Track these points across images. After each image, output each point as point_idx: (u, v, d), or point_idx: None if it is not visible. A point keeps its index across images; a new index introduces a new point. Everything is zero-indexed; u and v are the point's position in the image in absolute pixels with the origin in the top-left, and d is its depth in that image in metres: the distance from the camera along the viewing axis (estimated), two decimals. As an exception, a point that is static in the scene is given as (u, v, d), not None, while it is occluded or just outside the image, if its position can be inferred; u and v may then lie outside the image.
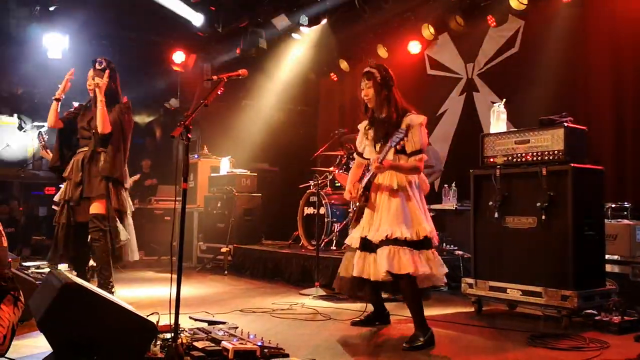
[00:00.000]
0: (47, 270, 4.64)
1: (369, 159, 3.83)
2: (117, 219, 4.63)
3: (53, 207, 4.89)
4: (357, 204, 3.93)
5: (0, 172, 9.85)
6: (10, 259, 3.13)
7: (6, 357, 2.85)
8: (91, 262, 4.87)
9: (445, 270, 3.76)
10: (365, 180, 3.80)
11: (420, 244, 3.63)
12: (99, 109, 4.61)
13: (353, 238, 3.87)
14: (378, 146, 3.79)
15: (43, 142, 5.62)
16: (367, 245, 3.73)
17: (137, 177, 9.08)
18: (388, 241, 3.57)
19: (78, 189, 4.61)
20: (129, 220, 4.78)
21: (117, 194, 4.65)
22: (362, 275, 3.74)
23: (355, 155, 4.15)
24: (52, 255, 4.75)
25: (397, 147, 3.61)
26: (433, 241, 3.73)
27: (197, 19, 8.92)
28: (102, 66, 4.72)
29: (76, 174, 4.65)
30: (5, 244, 3.05)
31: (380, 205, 3.72)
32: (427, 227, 3.66)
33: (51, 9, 8.39)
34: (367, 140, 3.93)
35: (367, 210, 3.81)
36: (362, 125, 3.99)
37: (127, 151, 4.77)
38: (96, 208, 4.58)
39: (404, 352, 3.41)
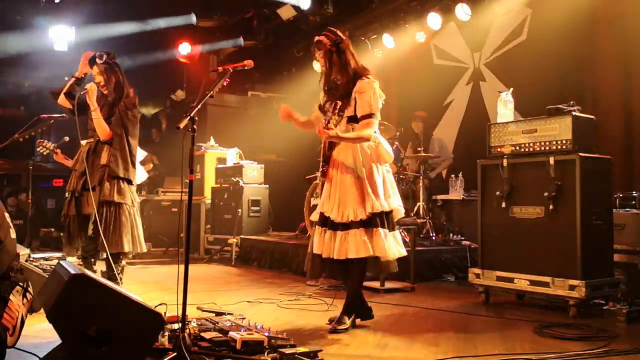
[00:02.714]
0: (55, 262, 4.65)
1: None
2: (106, 210, 4.56)
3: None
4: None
5: (8, 164, 9.90)
6: (19, 251, 3.14)
7: (16, 348, 2.87)
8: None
9: (388, 254, 3.59)
10: (322, 153, 3.72)
11: (369, 223, 3.55)
12: (94, 118, 4.61)
13: (315, 213, 3.79)
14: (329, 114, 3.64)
15: (47, 151, 5.41)
16: (326, 222, 3.65)
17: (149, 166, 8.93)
18: (355, 223, 3.52)
19: (81, 180, 4.62)
20: (127, 212, 4.70)
21: (118, 185, 4.60)
22: (322, 254, 3.64)
23: None
24: (67, 248, 4.75)
25: (342, 114, 3.50)
26: (381, 219, 3.58)
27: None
28: (103, 60, 4.69)
29: (80, 165, 4.67)
30: (13, 235, 3.06)
31: (338, 181, 3.63)
32: (377, 205, 3.55)
33: (57, 0, 8.39)
34: (324, 104, 3.81)
35: (325, 184, 3.72)
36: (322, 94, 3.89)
37: (132, 147, 4.73)
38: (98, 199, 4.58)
39: (410, 342, 3.41)
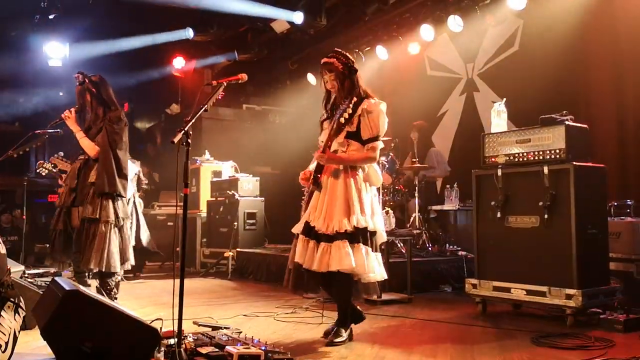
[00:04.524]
0: (50, 278, 4.63)
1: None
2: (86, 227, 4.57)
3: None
4: (309, 188, 3.77)
5: (3, 180, 9.87)
6: (9, 267, 3.12)
7: (9, 366, 2.85)
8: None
9: (368, 272, 3.53)
10: (315, 163, 3.70)
11: (353, 237, 3.51)
12: (79, 139, 4.70)
13: (299, 224, 3.73)
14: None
15: (47, 171, 5.44)
16: (311, 232, 3.60)
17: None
18: (340, 235, 3.48)
19: (72, 195, 4.66)
20: (107, 230, 4.67)
21: (101, 203, 4.62)
22: (303, 264, 3.58)
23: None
24: (51, 262, 4.77)
25: (341, 119, 3.51)
26: (365, 236, 3.55)
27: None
28: (79, 81, 4.76)
29: (72, 181, 4.71)
30: (3, 250, 3.05)
31: (328, 191, 3.62)
32: (362, 220, 3.52)
33: (51, 17, 8.42)
34: (322, 122, 3.82)
35: (315, 193, 3.70)
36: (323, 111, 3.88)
37: (121, 160, 4.73)
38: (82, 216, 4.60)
39: (408, 354, 3.39)
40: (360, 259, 3.50)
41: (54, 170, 5.35)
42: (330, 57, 3.74)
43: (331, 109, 3.77)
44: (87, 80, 4.76)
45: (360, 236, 3.53)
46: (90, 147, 4.66)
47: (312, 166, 3.79)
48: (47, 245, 8.91)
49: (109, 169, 4.63)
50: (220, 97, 3.42)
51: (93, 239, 4.52)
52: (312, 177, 3.70)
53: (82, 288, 3.01)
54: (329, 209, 3.58)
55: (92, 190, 4.60)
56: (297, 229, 3.74)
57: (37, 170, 5.46)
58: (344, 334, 3.65)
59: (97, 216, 4.55)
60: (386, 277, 3.74)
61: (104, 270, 4.54)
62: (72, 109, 4.76)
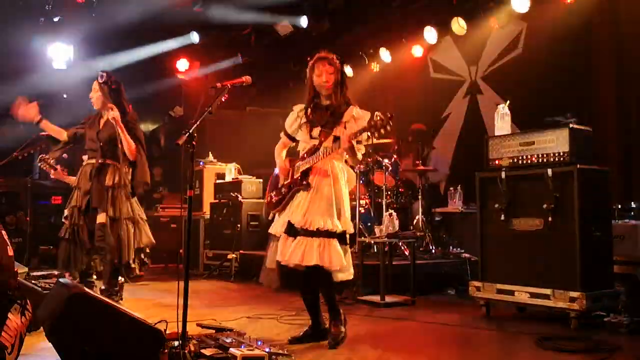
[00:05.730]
0: (54, 279, 4.65)
1: (298, 141, 3.88)
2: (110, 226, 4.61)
3: (63, 220, 4.88)
4: (289, 186, 3.80)
5: (7, 182, 9.89)
6: (17, 269, 3.13)
7: (15, 367, 2.86)
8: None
9: (342, 270, 3.61)
10: (307, 165, 3.73)
11: (342, 238, 3.62)
12: (122, 140, 4.69)
13: (278, 224, 3.75)
14: (316, 130, 3.73)
15: (47, 165, 5.50)
16: (293, 230, 3.61)
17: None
18: (320, 232, 3.53)
19: (86, 197, 4.67)
20: (123, 225, 4.73)
21: (117, 201, 4.65)
22: (287, 264, 3.57)
23: (282, 134, 4.03)
24: (61, 268, 4.77)
25: (330, 132, 3.62)
26: (348, 237, 3.68)
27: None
28: (103, 80, 4.76)
29: (85, 184, 4.71)
30: (11, 253, 3.06)
31: (315, 190, 3.66)
32: (349, 223, 3.69)
33: (55, 19, 8.45)
34: (302, 123, 3.86)
35: (300, 193, 3.71)
36: (297, 108, 3.93)
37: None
38: (102, 218, 4.62)
39: (411, 357, 3.39)
40: (349, 260, 3.64)
41: (55, 166, 5.35)
42: (329, 53, 3.83)
43: (313, 109, 3.83)
44: (109, 82, 4.76)
45: (347, 237, 3.66)
46: (131, 150, 4.70)
47: (304, 166, 3.76)
48: (51, 247, 8.98)
49: (145, 166, 4.75)
50: (224, 100, 3.43)
51: (117, 237, 4.60)
52: (300, 178, 3.74)
53: (87, 290, 3.01)
54: (311, 207, 3.61)
55: (111, 192, 4.63)
56: (275, 229, 3.75)
57: (39, 163, 5.50)
58: (342, 329, 3.68)
59: (118, 215, 4.61)
60: (352, 276, 3.77)
61: (123, 262, 4.62)
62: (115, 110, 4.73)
